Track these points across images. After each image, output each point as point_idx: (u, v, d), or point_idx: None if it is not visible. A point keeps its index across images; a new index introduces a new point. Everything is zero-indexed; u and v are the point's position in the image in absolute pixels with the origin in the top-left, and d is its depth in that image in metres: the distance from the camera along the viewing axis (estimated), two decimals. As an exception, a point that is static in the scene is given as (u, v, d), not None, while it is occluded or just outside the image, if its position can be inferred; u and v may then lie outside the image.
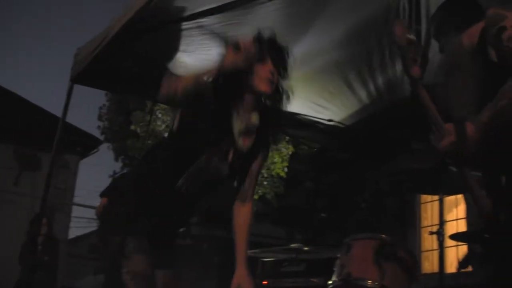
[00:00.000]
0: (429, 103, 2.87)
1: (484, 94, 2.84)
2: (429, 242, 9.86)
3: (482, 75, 2.95)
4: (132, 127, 13.14)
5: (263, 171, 10.97)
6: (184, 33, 5.06)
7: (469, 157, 2.83)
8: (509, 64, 2.72)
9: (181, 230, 3.47)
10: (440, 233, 4.06)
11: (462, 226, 9.07)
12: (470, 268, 6.10)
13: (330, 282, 4.07)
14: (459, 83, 3.16)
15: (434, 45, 5.34)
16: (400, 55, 2.80)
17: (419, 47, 2.72)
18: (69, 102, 5.71)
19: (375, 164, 7.74)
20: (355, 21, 5.20)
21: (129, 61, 5.40)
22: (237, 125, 3.01)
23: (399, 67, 5.74)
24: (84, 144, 16.62)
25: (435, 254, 4.24)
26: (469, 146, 2.75)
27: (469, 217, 6.33)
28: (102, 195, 6.67)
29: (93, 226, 22.08)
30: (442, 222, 4.14)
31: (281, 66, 3.06)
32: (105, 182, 27.52)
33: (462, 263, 6.03)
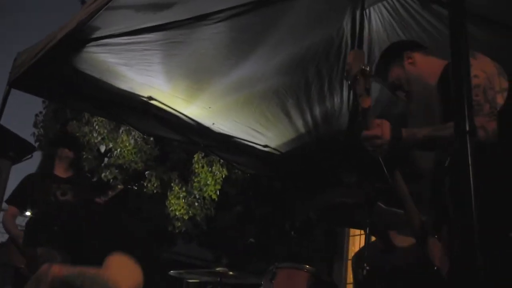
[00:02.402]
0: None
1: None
2: (354, 274, 9.95)
3: (438, 108, 2.98)
4: (68, 137, 12.91)
5: (195, 192, 10.91)
6: (126, 47, 5.01)
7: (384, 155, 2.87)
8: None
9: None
10: (363, 268, 4.08)
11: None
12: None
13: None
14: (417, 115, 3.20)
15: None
16: (350, 85, 2.79)
17: (370, 78, 2.71)
18: (4, 106, 5.60)
19: (305, 195, 7.80)
20: (297, 51, 5.25)
21: (69, 71, 5.32)
22: None
23: (337, 99, 5.81)
24: (18, 149, 16.28)
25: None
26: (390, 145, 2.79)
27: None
28: (10, 202, 5.73)
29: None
30: (363, 257, 4.16)
31: None
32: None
33: None
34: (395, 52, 3.36)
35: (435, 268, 2.77)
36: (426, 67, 3.22)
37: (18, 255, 5.11)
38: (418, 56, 3.29)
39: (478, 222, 1.49)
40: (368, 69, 2.68)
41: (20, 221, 5.94)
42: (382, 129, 2.80)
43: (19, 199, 5.63)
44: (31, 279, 2.90)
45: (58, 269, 2.84)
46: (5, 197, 5.74)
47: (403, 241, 3.89)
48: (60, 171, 5.66)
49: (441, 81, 3.03)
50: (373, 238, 4.15)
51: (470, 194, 1.45)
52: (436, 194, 2.97)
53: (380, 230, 4.05)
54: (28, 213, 5.87)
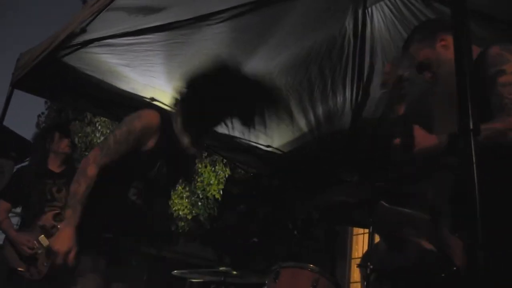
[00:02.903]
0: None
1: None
2: (358, 274, 9.93)
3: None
4: (70, 137, 12.86)
5: (198, 191, 10.92)
6: (128, 47, 5.02)
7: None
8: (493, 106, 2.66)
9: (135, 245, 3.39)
10: (367, 267, 4.08)
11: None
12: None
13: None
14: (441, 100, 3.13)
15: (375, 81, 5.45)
16: (385, 95, 2.76)
17: (406, 85, 2.67)
18: (7, 106, 5.60)
19: (306, 194, 7.80)
20: (299, 50, 5.26)
21: (71, 71, 5.33)
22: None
23: (340, 98, 5.81)
24: (20, 150, 16.25)
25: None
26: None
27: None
28: (2, 196, 5.37)
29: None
30: (369, 256, 4.16)
31: None
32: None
33: None
34: (429, 32, 3.24)
35: (455, 268, 2.74)
36: None
37: (15, 256, 4.93)
38: (452, 40, 3.18)
39: (482, 221, 1.48)
40: (406, 74, 2.65)
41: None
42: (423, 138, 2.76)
43: (12, 194, 5.30)
44: None
45: None
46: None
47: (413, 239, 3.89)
48: (54, 165, 5.41)
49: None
50: (377, 238, 4.15)
51: (474, 193, 1.45)
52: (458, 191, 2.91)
53: (384, 229, 4.04)
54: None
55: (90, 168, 2.90)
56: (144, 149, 3.05)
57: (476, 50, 2.89)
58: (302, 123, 6.24)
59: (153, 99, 5.76)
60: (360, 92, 5.68)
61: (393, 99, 2.68)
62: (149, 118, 3.10)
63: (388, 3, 4.71)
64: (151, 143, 3.06)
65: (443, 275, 2.86)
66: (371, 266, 4.03)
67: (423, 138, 2.74)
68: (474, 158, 1.48)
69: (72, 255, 2.75)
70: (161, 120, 3.12)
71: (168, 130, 3.17)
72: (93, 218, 2.91)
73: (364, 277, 3.91)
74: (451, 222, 2.92)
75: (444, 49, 3.06)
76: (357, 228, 10.39)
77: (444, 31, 3.12)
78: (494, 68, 2.71)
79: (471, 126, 1.50)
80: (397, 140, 2.77)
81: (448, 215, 2.97)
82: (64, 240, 2.75)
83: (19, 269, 4.86)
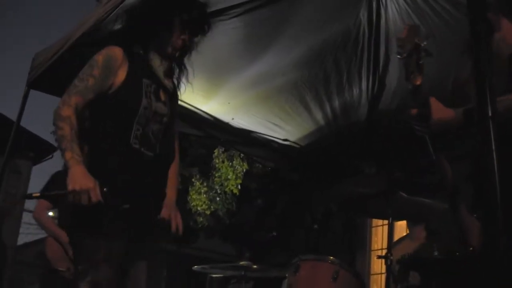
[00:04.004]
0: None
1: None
2: (378, 265, 9.91)
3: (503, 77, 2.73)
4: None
5: (216, 187, 10.94)
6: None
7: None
8: None
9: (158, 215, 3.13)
10: (388, 257, 4.08)
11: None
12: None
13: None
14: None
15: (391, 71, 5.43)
16: (402, 61, 2.69)
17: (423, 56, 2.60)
18: (24, 106, 5.62)
19: (324, 186, 7.79)
20: (314, 43, 5.25)
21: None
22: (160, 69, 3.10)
23: (356, 90, 5.80)
24: (38, 150, 16.34)
25: (384, 278, 4.27)
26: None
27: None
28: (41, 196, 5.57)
29: (42, 233, 21.60)
30: (390, 247, 4.16)
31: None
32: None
33: None
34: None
35: (470, 248, 2.71)
36: (507, 32, 2.93)
37: (58, 256, 4.88)
38: (505, 22, 2.97)
39: (502, 207, 1.48)
40: (423, 44, 2.59)
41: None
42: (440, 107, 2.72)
43: (50, 197, 5.29)
44: None
45: None
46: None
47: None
48: None
49: None
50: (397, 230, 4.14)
51: (494, 179, 1.45)
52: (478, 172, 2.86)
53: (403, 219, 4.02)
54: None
55: (62, 110, 2.81)
56: (116, 81, 2.95)
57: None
58: (319, 116, 6.23)
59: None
60: (376, 83, 5.67)
61: (410, 67, 2.63)
62: (110, 50, 2.99)
63: (403, -7, 4.69)
64: (121, 73, 2.96)
65: (457, 254, 2.84)
66: (391, 257, 4.04)
67: (440, 111, 2.71)
68: (493, 145, 1.48)
69: (95, 192, 2.65)
70: (125, 53, 3.00)
71: (137, 61, 3.05)
72: (104, 184, 2.74)
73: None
74: (470, 202, 2.89)
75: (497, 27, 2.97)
76: (376, 220, 10.37)
77: (499, 11, 3.03)
78: None
79: (490, 113, 1.50)
80: (413, 111, 2.72)
81: (466, 195, 2.94)
82: (76, 178, 2.67)
83: (60, 269, 4.87)
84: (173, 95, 3.25)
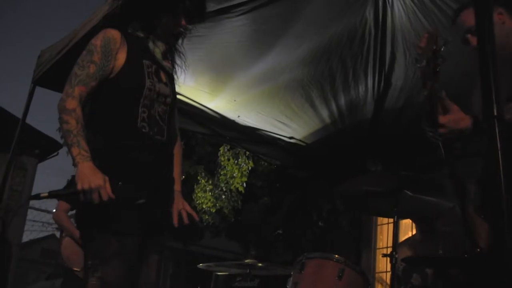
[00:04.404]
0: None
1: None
2: (383, 263, 9.91)
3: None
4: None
5: (222, 185, 10.94)
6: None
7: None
8: None
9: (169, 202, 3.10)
10: (393, 256, 4.08)
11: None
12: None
13: (282, 299, 4.06)
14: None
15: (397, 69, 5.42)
16: (420, 70, 2.67)
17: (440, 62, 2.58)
18: (30, 103, 5.64)
19: (330, 184, 7.79)
20: (320, 41, 5.25)
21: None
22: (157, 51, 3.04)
23: (362, 88, 5.80)
24: (43, 147, 16.37)
25: (389, 276, 4.27)
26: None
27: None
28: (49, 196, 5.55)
29: (47, 231, 21.63)
30: (395, 245, 4.16)
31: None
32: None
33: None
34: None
35: (478, 250, 2.71)
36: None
37: (77, 257, 4.88)
38: (508, 17, 3.02)
39: (508, 206, 1.47)
40: (441, 49, 2.57)
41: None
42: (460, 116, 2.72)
43: (69, 198, 5.31)
44: None
45: None
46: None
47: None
48: None
49: None
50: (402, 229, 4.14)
51: (500, 178, 1.45)
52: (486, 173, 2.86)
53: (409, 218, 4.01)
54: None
55: (66, 102, 2.73)
56: (117, 64, 2.88)
57: None
58: (324, 113, 6.24)
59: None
60: (382, 82, 5.66)
61: (427, 75, 2.62)
62: (107, 33, 2.91)
63: (409, -9, 4.69)
64: (121, 56, 2.89)
65: (466, 256, 2.84)
66: (396, 256, 4.04)
67: (460, 121, 2.71)
68: (499, 144, 1.47)
69: (105, 189, 2.57)
70: (122, 34, 2.94)
71: (135, 43, 2.99)
72: (119, 177, 2.67)
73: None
74: (478, 203, 2.89)
75: (499, 22, 2.97)
76: (381, 218, 10.37)
77: (503, 6, 3.03)
78: None
79: (495, 113, 1.50)
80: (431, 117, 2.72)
81: (475, 196, 2.94)
82: (84, 176, 2.60)
83: (75, 269, 4.89)
84: (172, 76, 3.19)
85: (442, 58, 2.58)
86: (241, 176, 10.80)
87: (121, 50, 2.90)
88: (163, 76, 3.05)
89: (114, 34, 2.92)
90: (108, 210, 2.66)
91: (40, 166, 16.72)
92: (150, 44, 3.02)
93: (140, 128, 2.83)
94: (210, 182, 11.12)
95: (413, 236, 5.19)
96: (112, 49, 2.88)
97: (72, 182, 5.10)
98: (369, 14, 5.00)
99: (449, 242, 3.35)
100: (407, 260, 3.92)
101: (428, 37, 2.62)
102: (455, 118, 2.71)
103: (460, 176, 2.94)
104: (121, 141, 2.82)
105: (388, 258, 4.13)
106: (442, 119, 2.70)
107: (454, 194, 2.98)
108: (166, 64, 3.10)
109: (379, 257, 10.45)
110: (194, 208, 10.91)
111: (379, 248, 10.57)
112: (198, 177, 11.19)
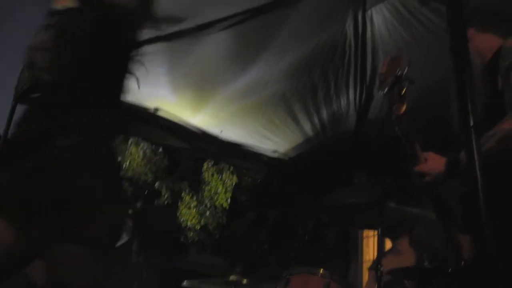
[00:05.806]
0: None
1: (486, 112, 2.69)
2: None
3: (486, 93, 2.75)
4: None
5: (206, 200, 10.90)
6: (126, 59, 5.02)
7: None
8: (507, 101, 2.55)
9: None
10: (377, 269, 4.07)
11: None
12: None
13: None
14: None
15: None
16: (385, 95, 2.67)
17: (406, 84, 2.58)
18: (11, 120, 5.59)
19: (314, 198, 7.79)
20: (301, 54, 5.26)
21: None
22: None
23: (343, 101, 5.81)
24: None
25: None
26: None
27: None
28: None
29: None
30: (380, 257, 4.15)
31: None
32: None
33: None
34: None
35: (462, 262, 2.71)
36: (479, 43, 2.89)
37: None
38: (473, 32, 2.89)
39: (488, 218, 1.47)
40: (404, 73, 2.57)
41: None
42: (431, 163, 2.74)
43: None
44: None
45: None
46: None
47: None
48: None
49: (490, 63, 2.79)
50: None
51: (478, 190, 1.44)
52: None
53: (391, 230, 4.02)
54: None
55: None
56: None
57: (498, 43, 2.81)
58: (307, 127, 6.24)
59: (157, 109, 5.76)
60: (364, 94, 5.68)
61: (392, 99, 2.62)
62: None
63: (387, 4, 4.71)
64: None
65: (450, 270, 2.84)
66: (382, 268, 4.02)
67: (436, 166, 2.73)
68: (476, 156, 1.47)
69: None
70: None
71: None
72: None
73: (375, 280, 3.90)
74: (460, 223, 2.89)
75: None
76: (367, 231, 10.38)
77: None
78: (507, 60, 2.60)
79: (471, 123, 1.50)
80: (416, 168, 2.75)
81: (457, 216, 2.94)
82: None
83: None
84: None
85: (409, 80, 2.59)
86: (226, 192, 10.78)
87: None
88: None
89: None
90: None
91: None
92: None
93: None
94: (195, 198, 11.08)
95: (390, 250, 5.19)
96: None
97: None
98: (349, 27, 5.02)
99: (431, 253, 3.34)
100: (394, 273, 3.91)
101: (389, 62, 2.63)
102: (428, 167, 2.72)
103: (441, 195, 2.96)
104: None
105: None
106: (417, 169, 2.72)
107: (437, 213, 2.99)
108: None
109: (365, 269, 10.45)
110: (179, 225, 10.87)
111: (366, 261, 10.57)
112: (182, 194, 11.14)
